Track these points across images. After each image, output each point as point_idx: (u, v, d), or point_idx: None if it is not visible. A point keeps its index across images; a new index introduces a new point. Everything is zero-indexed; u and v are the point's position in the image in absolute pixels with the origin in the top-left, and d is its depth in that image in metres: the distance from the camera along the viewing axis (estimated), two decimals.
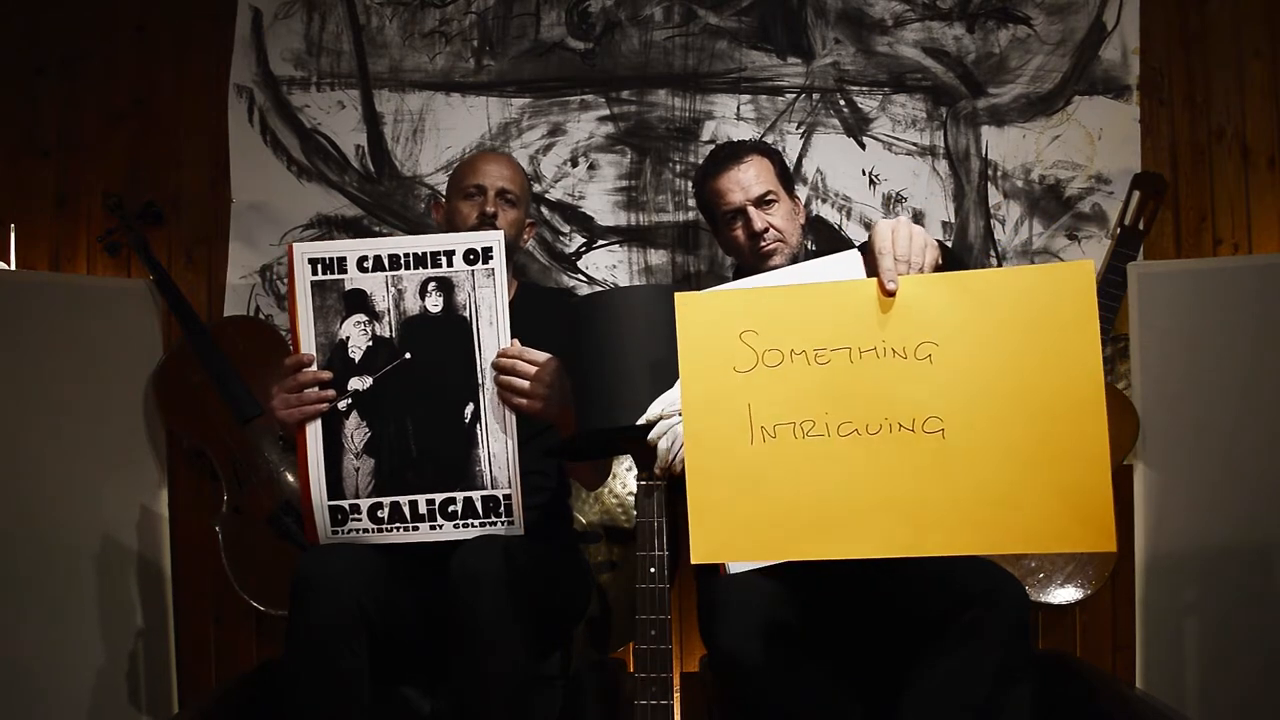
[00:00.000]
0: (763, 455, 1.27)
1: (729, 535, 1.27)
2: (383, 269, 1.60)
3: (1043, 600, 2.15)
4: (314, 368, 1.59)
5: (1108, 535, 1.23)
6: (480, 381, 1.60)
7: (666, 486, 1.38)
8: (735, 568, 1.61)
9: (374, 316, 1.60)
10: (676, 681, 2.00)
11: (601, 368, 1.42)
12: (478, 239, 1.62)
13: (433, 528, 1.61)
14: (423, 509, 1.61)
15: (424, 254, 1.60)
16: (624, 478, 2.26)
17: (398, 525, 1.61)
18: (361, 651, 1.55)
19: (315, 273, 1.60)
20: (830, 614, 1.67)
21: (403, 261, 1.60)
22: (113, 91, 2.48)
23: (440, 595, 1.55)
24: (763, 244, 1.88)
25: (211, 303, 2.44)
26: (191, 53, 2.48)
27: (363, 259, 1.60)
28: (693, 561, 1.27)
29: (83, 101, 2.48)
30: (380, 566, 1.60)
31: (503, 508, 1.61)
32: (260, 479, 2.27)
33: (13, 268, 2.40)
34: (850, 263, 1.60)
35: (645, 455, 1.36)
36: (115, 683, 2.26)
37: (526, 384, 1.57)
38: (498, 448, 1.60)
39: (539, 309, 1.85)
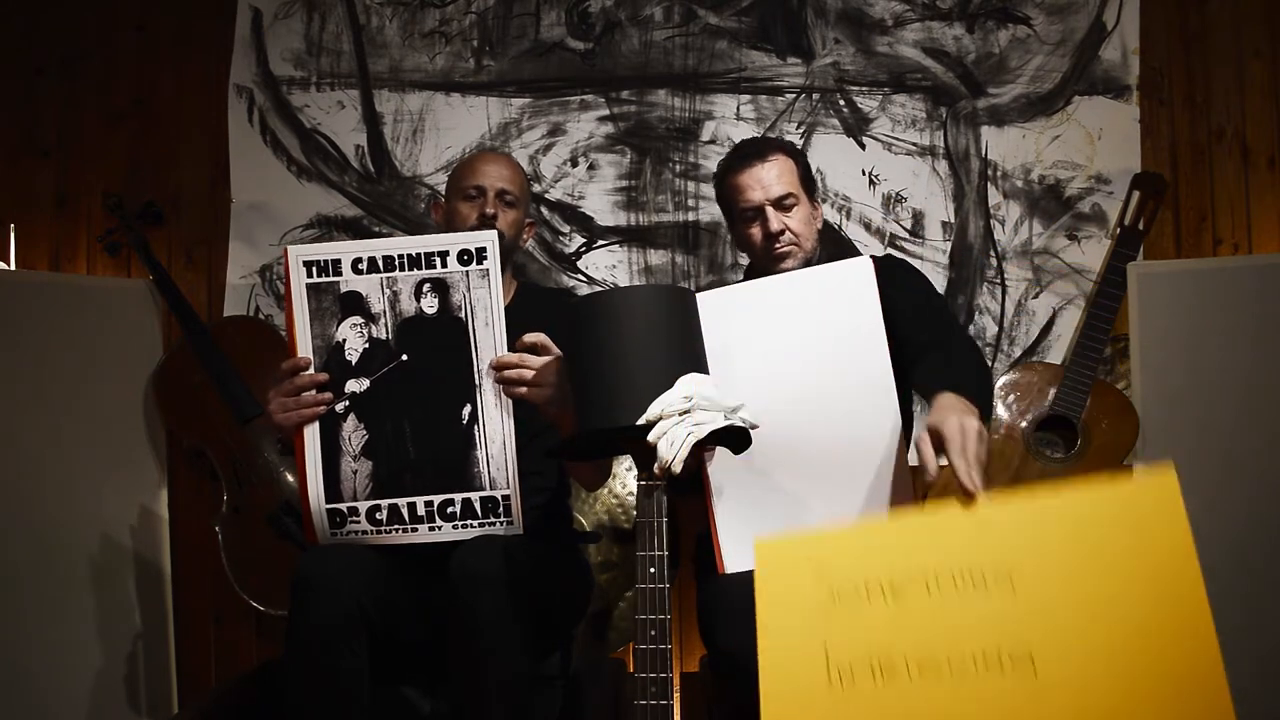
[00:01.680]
0: (841, 700, 1.19)
1: None
2: (377, 271, 1.59)
3: None
4: (311, 370, 1.59)
5: None
6: (477, 383, 1.60)
7: (666, 487, 1.38)
8: (734, 566, 1.61)
9: (370, 319, 1.59)
10: (676, 681, 2.00)
11: (601, 368, 1.42)
12: (471, 239, 1.61)
13: (431, 529, 1.61)
14: (421, 510, 1.60)
15: (418, 255, 1.59)
16: (624, 478, 2.25)
17: (396, 527, 1.60)
18: (361, 651, 1.55)
19: (310, 275, 1.59)
20: None
21: (397, 263, 1.59)
22: (113, 91, 2.49)
23: (440, 595, 1.55)
24: (778, 246, 1.84)
25: (211, 303, 2.44)
26: (191, 53, 2.48)
27: (357, 261, 1.59)
28: None
29: (83, 101, 2.48)
30: (380, 566, 1.60)
31: (501, 508, 1.61)
32: (260, 479, 2.27)
33: (13, 268, 2.40)
34: (860, 270, 1.60)
35: (645, 455, 1.36)
36: (115, 683, 2.26)
37: (530, 373, 1.56)
38: (495, 449, 1.60)
39: (538, 309, 1.84)
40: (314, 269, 1.59)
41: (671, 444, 1.33)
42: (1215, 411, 2.22)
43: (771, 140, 2.00)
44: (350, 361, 1.59)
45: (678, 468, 1.33)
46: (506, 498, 1.60)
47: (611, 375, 1.41)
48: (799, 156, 1.92)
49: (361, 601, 1.55)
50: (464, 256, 1.59)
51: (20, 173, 2.48)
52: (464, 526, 1.60)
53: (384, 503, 1.59)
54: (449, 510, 1.60)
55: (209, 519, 2.29)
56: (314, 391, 1.58)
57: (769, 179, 1.84)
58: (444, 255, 1.59)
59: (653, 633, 1.37)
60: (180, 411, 2.32)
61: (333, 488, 1.59)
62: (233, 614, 2.37)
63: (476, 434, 1.60)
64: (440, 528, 1.60)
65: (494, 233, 1.62)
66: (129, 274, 2.45)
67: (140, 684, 2.30)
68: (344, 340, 1.59)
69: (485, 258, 1.60)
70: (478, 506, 1.60)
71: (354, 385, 1.59)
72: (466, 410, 1.60)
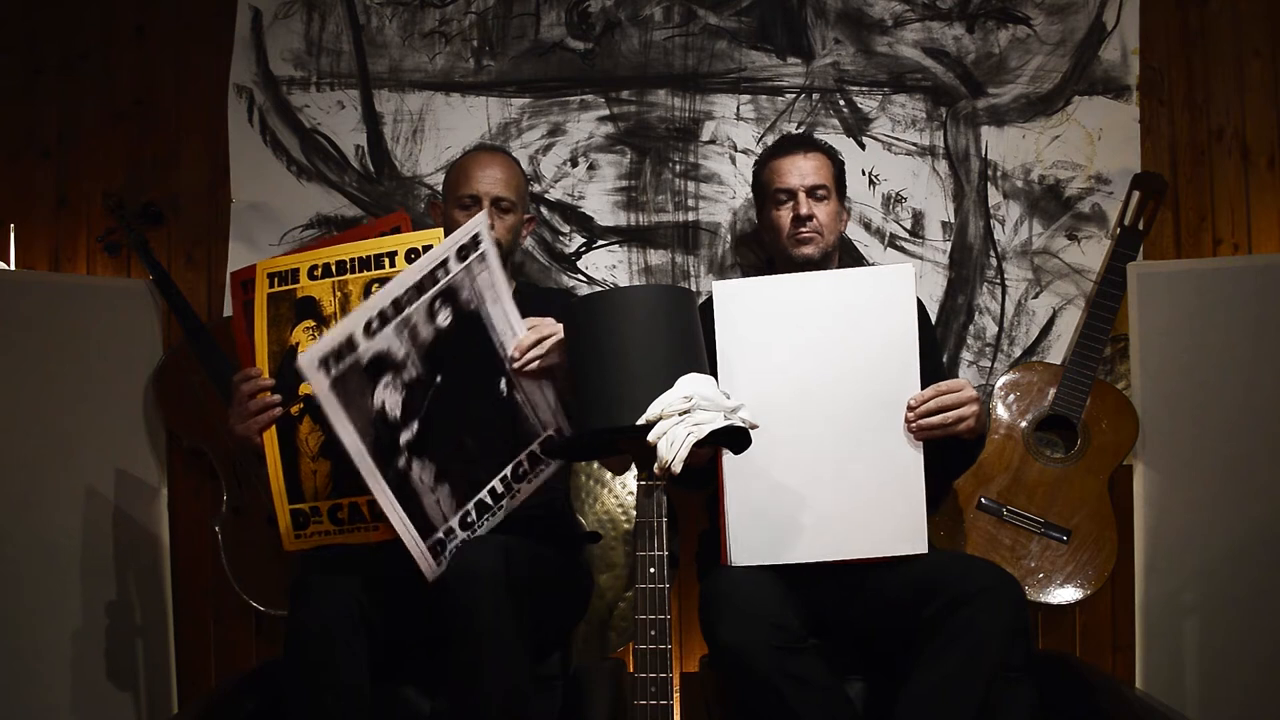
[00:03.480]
0: None
1: None
2: (388, 321, 1.52)
3: (1043, 600, 2.15)
4: (261, 379, 1.61)
5: None
6: (503, 355, 1.64)
7: (666, 486, 1.38)
8: (740, 560, 1.61)
9: (398, 369, 1.54)
10: (676, 681, 2.00)
11: (601, 368, 1.42)
12: (461, 236, 1.58)
13: (512, 498, 1.66)
14: (499, 489, 1.65)
15: (421, 280, 1.54)
16: (624, 477, 2.25)
17: (486, 516, 1.64)
18: (361, 651, 1.55)
19: (330, 371, 1.46)
20: (830, 610, 1.68)
21: (405, 300, 1.53)
22: (113, 91, 2.48)
23: (440, 595, 1.55)
24: (802, 230, 1.96)
25: (211, 303, 2.44)
26: (191, 53, 2.48)
27: (368, 325, 1.50)
28: None
29: (83, 101, 2.48)
30: (380, 566, 1.60)
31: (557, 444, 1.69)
32: (260, 479, 2.26)
33: (13, 268, 2.40)
34: (902, 276, 1.60)
35: (645, 455, 1.36)
36: (115, 683, 2.26)
37: (543, 352, 1.62)
38: (537, 398, 1.65)
39: (537, 309, 1.84)
40: (331, 363, 1.46)
41: (671, 444, 1.34)
42: (1215, 411, 2.21)
43: (814, 139, 2.14)
44: (396, 419, 1.55)
45: (677, 468, 1.33)
46: (560, 431, 1.68)
47: (611, 375, 1.41)
48: (836, 159, 2.08)
49: (361, 601, 1.55)
50: (461, 253, 1.59)
51: (20, 173, 2.48)
52: (536, 476, 1.68)
53: (470, 505, 1.62)
54: (520, 471, 1.66)
55: (209, 519, 2.29)
56: (270, 395, 1.60)
57: (807, 169, 1.99)
58: (444, 263, 1.57)
59: (653, 633, 1.37)
60: (180, 411, 2.32)
61: (424, 525, 1.57)
62: (233, 614, 2.37)
63: (517, 396, 1.65)
64: (518, 490, 1.66)
65: (479, 218, 1.62)
66: (129, 274, 2.45)
67: (140, 684, 2.30)
68: (382, 404, 1.54)
69: (480, 242, 1.60)
70: (540, 451, 1.68)
71: (406, 435, 1.56)
72: (503, 382, 1.64)
